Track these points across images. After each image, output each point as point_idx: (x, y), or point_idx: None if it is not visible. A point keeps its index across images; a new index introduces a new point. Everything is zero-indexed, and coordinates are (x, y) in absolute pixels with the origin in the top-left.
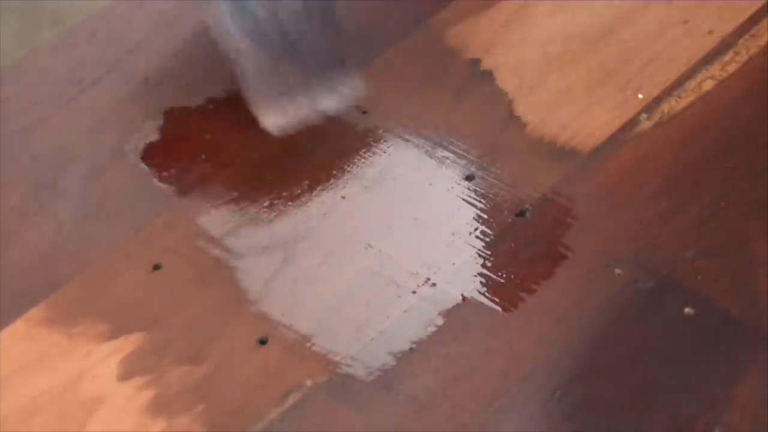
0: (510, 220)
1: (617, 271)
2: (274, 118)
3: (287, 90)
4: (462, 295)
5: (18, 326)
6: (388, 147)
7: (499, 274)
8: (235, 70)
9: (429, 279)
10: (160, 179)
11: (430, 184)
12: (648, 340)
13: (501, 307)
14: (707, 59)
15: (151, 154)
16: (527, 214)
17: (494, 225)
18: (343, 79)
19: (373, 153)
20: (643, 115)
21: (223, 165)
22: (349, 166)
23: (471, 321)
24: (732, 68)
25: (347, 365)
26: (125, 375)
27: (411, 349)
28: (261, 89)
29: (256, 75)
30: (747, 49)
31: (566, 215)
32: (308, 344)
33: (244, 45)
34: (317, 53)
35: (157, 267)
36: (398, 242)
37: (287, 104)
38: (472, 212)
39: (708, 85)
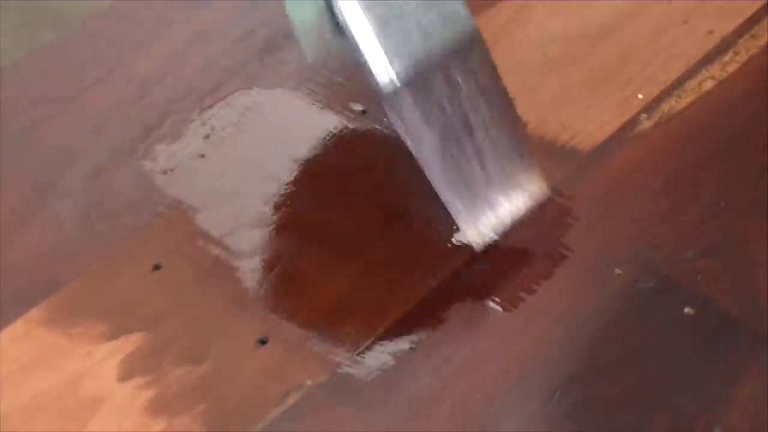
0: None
1: (617, 271)
2: (479, 231)
3: (483, 195)
4: (462, 295)
5: (18, 326)
6: (388, 147)
7: (499, 274)
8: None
9: (429, 279)
10: (161, 179)
11: (430, 184)
12: (648, 340)
13: (501, 307)
14: (707, 59)
15: (151, 154)
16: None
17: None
18: (526, 176)
19: (374, 153)
20: (643, 115)
21: (224, 164)
22: (349, 165)
23: (471, 321)
24: (732, 68)
25: (347, 365)
26: (125, 375)
27: (411, 349)
28: (459, 194)
29: (451, 177)
30: (747, 49)
31: (566, 215)
32: (308, 344)
33: (435, 142)
34: (499, 148)
35: (157, 267)
36: (398, 242)
37: (488, 212)
38: None
39: (708, 85)
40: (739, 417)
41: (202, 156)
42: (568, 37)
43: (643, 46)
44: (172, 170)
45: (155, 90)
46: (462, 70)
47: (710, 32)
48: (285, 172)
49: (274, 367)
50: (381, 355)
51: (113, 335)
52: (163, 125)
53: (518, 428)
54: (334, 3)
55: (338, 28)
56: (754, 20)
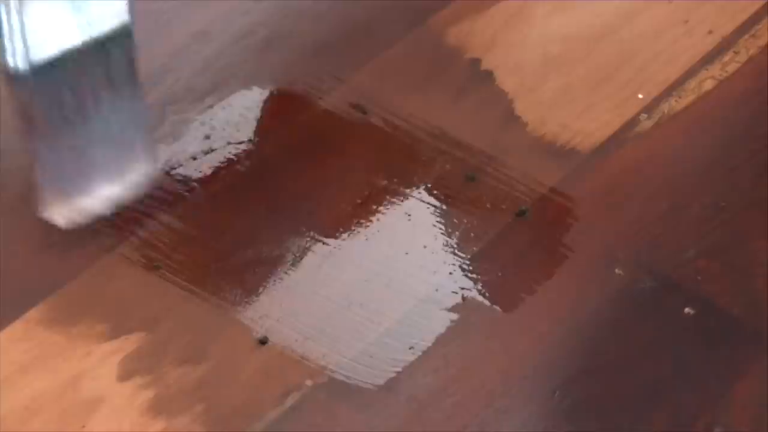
0: (510, 220)
1: (617, 271)
2: (62, 211)
3: (80, 180)
4: (462, 295)
5: (18, 326)
6: (387, 147)
7: (499, 274)
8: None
9: (429, 279)
10: (161, 179)
11: (430, 184)
12: (648, 340)
13: (501, 307)
14: (707, 59)
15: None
16: (527, 214)
17: (494, 225)
18: (130, 167)
19: (373, 153)
20: (643, 115)
21: (224, 164)
22: (348, 165)
23: (471, 321)
24: (732, 68)
25: (347, 365)
26: (125, 375)
27: (411, 349)
28: (53, 178)
29: (50, 161)
30: (747, 49)
31: (566, 215)
32: (308, 344)
33: (47, 128)
34: (111, 140)
35: (157, 267)
36: (398, 242)
37: (77, 196)
38: (472, 212)
39: (708, 85)
40: (739, 417)
41: (203, 156)
42: (568, 37)
43: (643, 46)
44: (172, 170)
45: (155, 90)
46: (100, 63)
47: (710, 32)
48: (285, 171)
49: (274, 367)
50: (381, 355)
51: (113, 335)
52: (163, 125)
53: (518, 428)
54: None
55: None
56: (754, 20)
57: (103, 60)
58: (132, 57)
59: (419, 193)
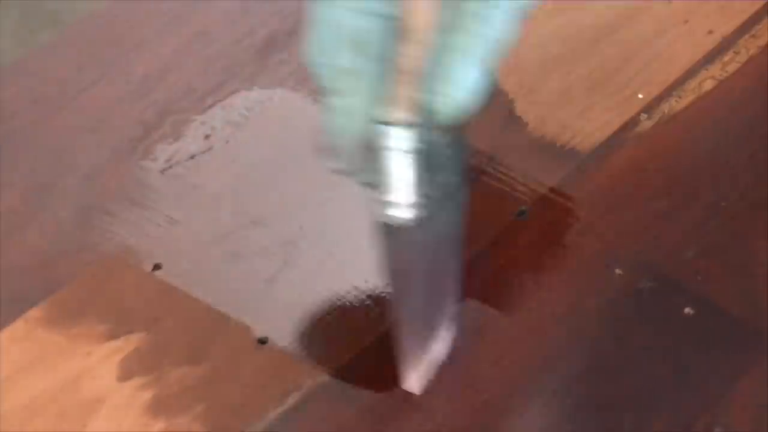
0: (510, 220)
1: (617, 271)
2: (418, 378)
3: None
4: (462, 295)
5: (18, 326)
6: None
7: (500, 274)
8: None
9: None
10: (161, 179)
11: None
12: (648, 340)
13: (501, 307)
14: (707, 59)
15: (151, 154)
16: (527, 214)
17: (494, 225)
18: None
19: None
20: (643, 115)
21: (224, 164)
22: None
23: (471, 321)
24: (732, 68)
25: (347, 365)
26: (125, 375)
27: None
28: (413, 332)
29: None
30: (747, 49)
31: (566, 215)
32: (308, 344)
33: (414, 284)
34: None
35: (157, 267)
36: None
37: (426, 356)
38: (472, 212)
39: (708, 85)
40: (739, 417)
41: (202, 156)
42: (568, 37)
43: (643, 46)
44: (172, 170)
45: (155, 90)
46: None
47: (710, 32)
48: (285, 172)
49: (274, 367)
50: (381, 355)
51: (113, 335)
52: (163, 125)
53: (518, 428)
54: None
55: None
56: (754, 20)
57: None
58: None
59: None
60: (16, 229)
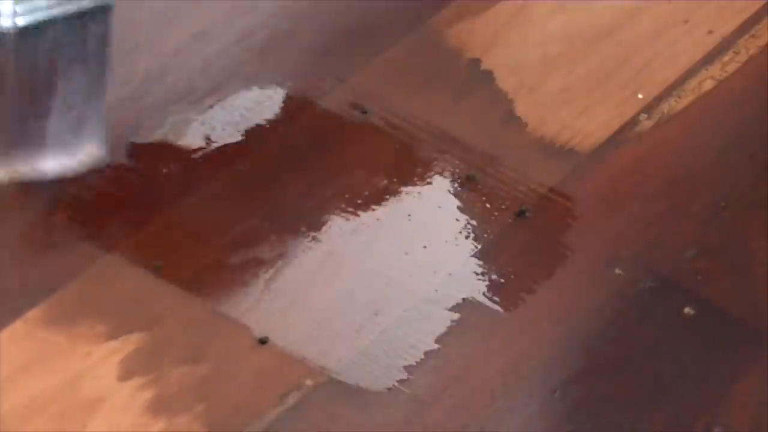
0: (510, 220)
1: (617, 271)
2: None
3: (26, 144)
4: (462, 295)
5: (18, 326)
6: (387, 147)
7: (499, 274)
8: None
9: (429, 279)
10: (161, 179)
11: (430, 184)
12: (648, 340)
13: (501, 307)
14: (707, 59)
15: (151, 154)
16: (527, 214)
17: (494, 225)
18: (80, 144)
19: (373, 153)
20: (643, 115)
21: (224, 164)
22: (348, 165)
23: (471, 321)
24: (732, 68)
25: (347, 365)
26: (125, 375)
27: (411, 348)
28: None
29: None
30: (747, 49)
31: (566, 215)
32: (308, 344)
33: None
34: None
35: (157, 267)
36: (398, 242)
37: (18, 158)
38: (472, 212)
39: (708, 85)
40: (739, 417)
41: (202, 156)
42: (568, 37)
43: (643, 46)
44: (171, 170)
45: (155, 90)
46: (78, 32)
47: (710, 32)
48: (285, 171)
49: (274, 367)
50: (381, 355)
51: (113, 335)
52: (163, 125)
53: (518, 428)
54: None
55: None
56: (754, 20)
57: (80, 33)
58: (107, 34)
59: (419, 193)
60: (16, 229)
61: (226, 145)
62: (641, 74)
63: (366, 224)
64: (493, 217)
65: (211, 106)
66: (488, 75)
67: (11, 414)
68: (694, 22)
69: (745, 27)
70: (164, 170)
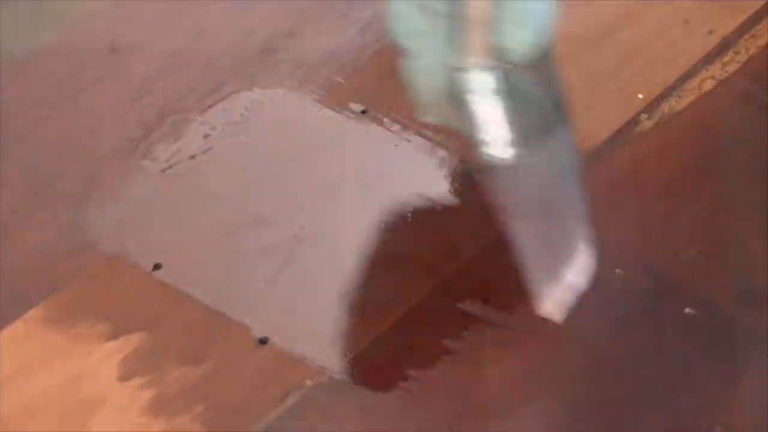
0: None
1: (617, 271)
2: (556, 301)
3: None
4: (462, 295)
5: (18, 326)
6: (387, 147)
7: (500, 274)
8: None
9: (430, 279)
10: (161, 179)
11: (430, 184)
12: (648, 340)
13: (501, 307)
14: (707, 59)
15: (151, 154)
16: None
17: (494, 225)
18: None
19: (373, 153)
20: (643, 115)
21: (223, 165)
22: (348, 165)
23: (471, 321)
24: (732, 68)
25: (347, 365)
26: (125, 375)
27: (411, 349)
28: (541, 262)
29: (539, 251)
30: (747, 49)
31: None
32: (308, 344)
33: (531, 212)
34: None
35: (157, 267)
36: (399, 242)
37: (561, 279)
38: (472, 212)
39: (708, 85)
40: (739, 417)
41: (202, 156)
42: (568, 37)
43: (643, 46)
44: (172, 170)
45: (155, 90)
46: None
47: (710, 32)
48: (285, 172)
49: (274, 367)
50: (381, 355)
51: (113, 335)
52: (163, 125)
53: (519, 428)
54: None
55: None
56: (754, 20)
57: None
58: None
59: (419, 192)
60: (16, 229)
61: (226, 145)
62: (641, 74)
63: (366, 224)
64: (493, 217)
65: (211, 106)
66: None
67: (11, 414)
68: (694, 22)
69: (746, 27)
70: (164, 170)
